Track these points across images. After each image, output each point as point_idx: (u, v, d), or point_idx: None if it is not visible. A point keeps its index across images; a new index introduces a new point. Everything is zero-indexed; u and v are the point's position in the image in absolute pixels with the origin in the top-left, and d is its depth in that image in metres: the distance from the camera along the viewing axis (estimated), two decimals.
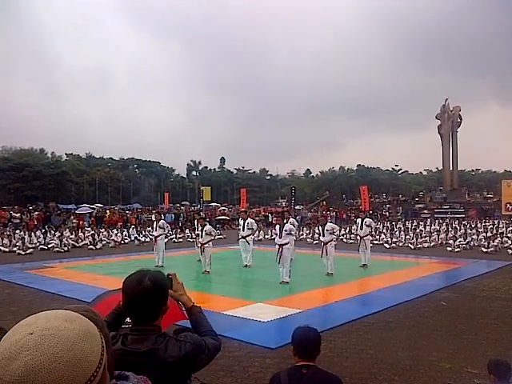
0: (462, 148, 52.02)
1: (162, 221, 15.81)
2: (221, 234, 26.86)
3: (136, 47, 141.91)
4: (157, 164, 76.45)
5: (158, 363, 1.98)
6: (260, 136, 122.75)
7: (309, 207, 51.07)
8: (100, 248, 21.21)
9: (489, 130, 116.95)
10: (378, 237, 23.15)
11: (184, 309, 2.34)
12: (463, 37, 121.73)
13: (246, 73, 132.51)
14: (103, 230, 25.67)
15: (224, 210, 45.55)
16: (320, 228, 14.04)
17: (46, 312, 0.99)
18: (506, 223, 30.39)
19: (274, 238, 12.92)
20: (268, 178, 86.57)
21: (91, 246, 21.31)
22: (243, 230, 15.06)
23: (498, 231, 24.52)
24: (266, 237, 25.45)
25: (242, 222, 15.51)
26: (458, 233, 23.65)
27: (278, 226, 12.50)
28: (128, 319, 2.25)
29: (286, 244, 11.86)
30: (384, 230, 26.01)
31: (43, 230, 24.11)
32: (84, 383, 0.92)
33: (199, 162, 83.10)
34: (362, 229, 15.27)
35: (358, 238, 15.46)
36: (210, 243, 14.04)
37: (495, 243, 20.00)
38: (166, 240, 17.14)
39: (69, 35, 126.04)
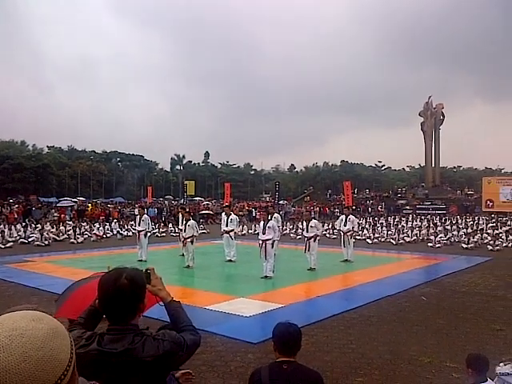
0: (444, 145, 52.78)
1: (145, 215, 15.68)
2: (204, 229, 26.80)
3: (119, 37, 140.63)
4: (140, 157, 75.88)
5: (136, 363, 1.95)
6: (244, 130, 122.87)
7: (293, 202, 51.25)
8: (81, 242, 20.98)
9: (471, 127, 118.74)
10: (360, 232, 23.31)
11: (162, 303, 2.30)
12: (449, 34, 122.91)
13: (231, 66, 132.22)
14: (85, 223, 25.39)
15: (208, 204, 45.45)
16: (304, 223, 14.09)
17: (11, 313, 0.98)
18: (486, 220, 30.90)
19: (258, 233, 12.91)
20: (252, 172, 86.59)
21: (72, 240, 21.06)
22: (226, 225, 15.03)
23: (478, 227, 24.95)
24: (250, 231, 25.47)
25: (225, 217, 15.46)
26: (439, 228, 23.97)
27: (262, 222, 12.50)
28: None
29: (270, 239, 11.87)
30: (366, 226, 26.22)
31: (23, 224, 23.78)
32: (54, 382, 0.92)
33: (183, 156, 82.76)
34: (345, 225, 15.34)
35: (341, 233, 15.53)
36: (196, 235, 14.03)
37: (475, 239, 20.32)
38: (149, 235, 17.01)
39: (51, 24, 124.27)
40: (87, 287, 2.92)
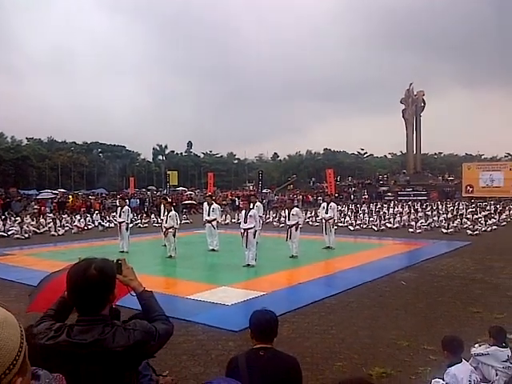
0: (425, 132, 53.29)
1: (126, 207, 15.55)
2: (187, 219, 26.74)
3: (102, 27, 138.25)
4: (122, 148, 75.18)
5: (106, 353, 1.94)
6: (228, 120, 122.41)
7: (276, 191, 51.38)
8: (62, 234, 20.75)
9: (452, 114, 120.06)
10: (342, 219, 23.49)
11: (134, 294, 2.29)
12: (431, 21, 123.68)
13: (214, 56, 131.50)
14: (66, 215, 25.10)
15: (191, 194, 45.31)
16: (286, 211, 14.16)
17: None
18: (466, 205, 31.40)
19: (240, 223, 12.92)
20: (235, 162, 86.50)
21: (53, 233, 20.83)
22: (208, 214, 15.00)
23: (457, 213, 25.33)
24: (233, 221, 25.47)
25: (207, 206, 15.42)
26: (420, 214, 24.28)
27: (243, 211, 12.50)
28: None
29: (251, 228, 11.89)
30: (349, 213, 26.43)
31: (3, 217, 23.42)
32: (3, 371, 0.92)
33: (165, 146, 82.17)
34: (327, 212, 15.43)
35: (323, 221, 15.62)
36: (176, 227, 13.95)
37: (455, 224, 20.64)
38: (131, 225, 16.89)
39: (28, 12, 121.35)
40: (59, 280, 2.88)
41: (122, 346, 1.96)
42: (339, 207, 26.10)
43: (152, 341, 2.07)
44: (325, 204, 15.92)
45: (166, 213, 14.45)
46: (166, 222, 13.98)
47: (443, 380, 4.07)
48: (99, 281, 1.98)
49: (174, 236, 13.70)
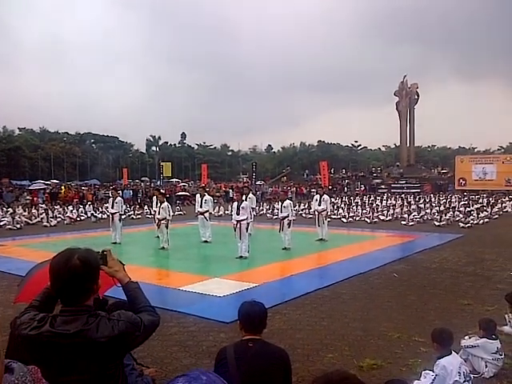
0: (418, 125, 53.35)
1: (118, 198, 15.47)
2: (181, 210, 26.68)
3: (95, 17, 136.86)
4: (115, 139, 74.74)
5: (90, 344, 1.91)
6: (221, 111, 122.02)
7: (270, 183, 51.37)
8: (54, 225, 20.64)
9: (445, 107, 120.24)
10: (335, 211, 23.50)
11: (120, 285, 2.25)
12: (427, 13, 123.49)
13: (207, 47, 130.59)
14: (58, 206, 24.96)
15: (185, 185, 45.22)
16: (280, 203, 14.14)
17: None
18: (459, 197, 31.51)
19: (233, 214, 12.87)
20: (229, 153, 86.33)
21: (45, 223, 20.71)
22: (201, 206, 14.96)
23: (450, 205, 25.42)
24: (227, 212, 25.42)
25: (199, 198, 15.37)
26: (413, 207, 24.33)
27: (236, 203, 12.47)
28: None
29: (243, 220, 11.87)
30: (342, 205, 26.44)
31: None
32: None
33: (159, 138, 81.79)
34: (320, 205, 15.42)
35: (316, 213, 15.61)
36: (168, 219, 13.90)
37: (447, 217, 20.70)
38: (124, 217, 16.80)
39: (21, 5, 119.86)
40: (44, 270, 2.84)
41: (106, 336, 1.93)
42: (332, 199, 26.13)
43: (137, 332, 2.04)
44: (318, 196, 15.90)
45: (158, 204, 14.40)
46: (159, 214, 13.93)
47: (433, 372, 4.08)
48: (82, 271, 1.94)
49: (167, 227, 13.66)
